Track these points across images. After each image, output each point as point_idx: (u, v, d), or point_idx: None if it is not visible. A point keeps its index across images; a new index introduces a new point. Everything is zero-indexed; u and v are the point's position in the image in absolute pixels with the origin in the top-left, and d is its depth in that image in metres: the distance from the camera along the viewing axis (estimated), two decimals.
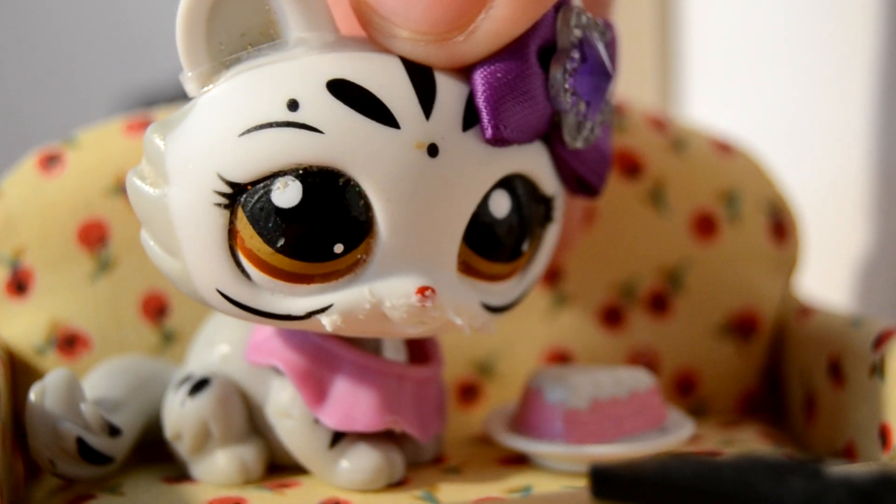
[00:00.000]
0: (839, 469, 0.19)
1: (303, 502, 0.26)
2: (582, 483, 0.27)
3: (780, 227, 0.35)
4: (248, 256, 0.24)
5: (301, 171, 0.23)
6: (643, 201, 0.34)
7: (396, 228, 0.24)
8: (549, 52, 0.25)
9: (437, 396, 0.29)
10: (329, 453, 0.27)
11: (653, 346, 0.34)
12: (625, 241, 0.34)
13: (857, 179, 0.43)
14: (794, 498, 0.17)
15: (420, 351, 0.29)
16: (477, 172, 0.24)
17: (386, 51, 0.24)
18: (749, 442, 0.31)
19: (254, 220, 0.23)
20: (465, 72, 0.24)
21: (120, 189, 0.31)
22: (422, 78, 0.24)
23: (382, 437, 0.27)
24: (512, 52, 0.24)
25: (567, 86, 0.25)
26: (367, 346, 0.27)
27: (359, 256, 0.24)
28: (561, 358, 0.34)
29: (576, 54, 0.25)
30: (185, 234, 0.24)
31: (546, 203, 0.27)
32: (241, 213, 0.23)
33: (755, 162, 0.35)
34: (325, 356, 0.27)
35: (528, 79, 0.24)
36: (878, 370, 0.27)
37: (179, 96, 0.25)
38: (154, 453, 0.29)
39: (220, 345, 0.28)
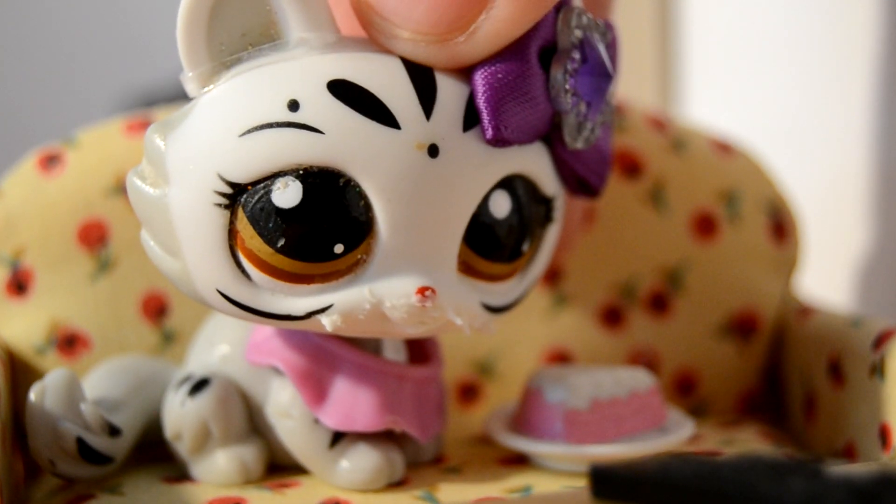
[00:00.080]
0: (839, 469, 0.19)
1: (303, 502, 0.26)
2: (582, 483, 0.27)
3: (780, 227, 0.35)
4: (248, 257, 0.24)
5: (301, 172, 0.23)
6: (643, 201, 0.34)
7: (397, 229, 0.24)
8: (549, 53, 0.25)
9: (437, 396, 0.29)
10: (329, 453, 0.27)
11: (653, 346, 0.34)
12: (625, 241, 0.34)
13: (857, 179, 0.43)
14: (794, 498, 0.17)
15: (420, 351, 0.29)
16: (477, 173, 0.24)
17: (386, 51, 0.24)
18: (749, 442, 0.31)
19: (254, 221, 0.23)
20: (465, 72, 0.24)
21: (120, 189, 0.31)
22: (422, 78, 0.24)
23: (382, 437, 0.27)
24: (512, 52, 0.24)
25: (567, 86, 0.25)
26: (367, 346, 0.27)
27: (359, 257, 0.24)
28: (561, 358, 0.34)
29: (576, 55, 0.25)
30: (186, 234, 0.24)
31: (546, 203, 0.27)
32: (241, 214, 0.23)
33: (755, 162, 0.35)
34: (325, 356, 0.27)
35: (529, 79, 0.24)
36: (878, 370, 0.27)
37: (179, 96, 0.25)
38: (154, 453, 0.29)
39: (220, 345, 0.28)
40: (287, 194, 0.23)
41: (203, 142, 0.23)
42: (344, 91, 0.23)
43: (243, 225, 0.23)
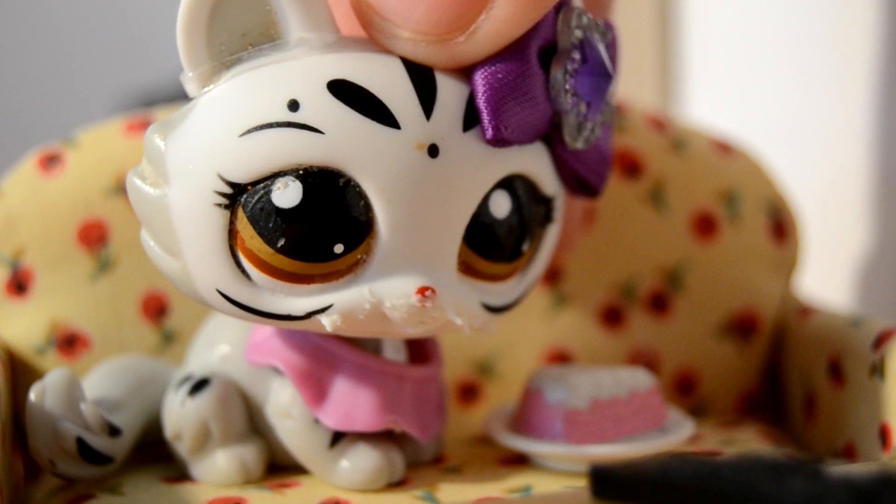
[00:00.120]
0: (839, 469, 0.19)
1: (303, 502, 0.26)
2: (582, 483, 0.27)
3: (780, 227, 0.35)
4: (248, 257, 0.24)
5: (301, 172, 0.23)
6: (643, 201, 0.34)
7: (397, 229, 0.24)
8: (549, 53, 0.25)
9: (437, 396, 0.29)
10: (329, 453, 0.27)
11: (653, 346, 0.34)
12: (625, 241, 0.34)
13: (857, 179, 0.43)
14: (794, 498, 0.17)
15: (420, 351, 0.29)
16: (477, 173, 0.24)
17: (387, 51, 0.24)
18: (749, 442, 0.31)
19: (254, 221, 0.23)
20: (465, 72, 0.24)
21: (120, 189, 0.31)
22: (422, 78, 0.24)
23: (382, 437, 0.27)
24: (512, 52, 0.24)
25: (568, 86, 0.25)
26: (367, 346, 0.27)
27: (359, 256, 0.24)
28: (561, 358, 0.34)
29: (576, 55, 0.25)
30: (186, 234, 0.24)
31: (546, 203, 0.27)
32: (241, 214, 0.23)
33: (755, 162, 0.35)
34: (325, 356, 0.27)
35: (529, 79, 0.24)
36: (878, 370, 0.27)
37: (179, 96, 0.25)
38: (154, 453, 0.29)
39: (220, 345, 0.28)
40: (287, 194, 0.23)
41: (203, 142, 0.23)
42: (344, 91, 0.23)
43: (243, 225, 0.23)
